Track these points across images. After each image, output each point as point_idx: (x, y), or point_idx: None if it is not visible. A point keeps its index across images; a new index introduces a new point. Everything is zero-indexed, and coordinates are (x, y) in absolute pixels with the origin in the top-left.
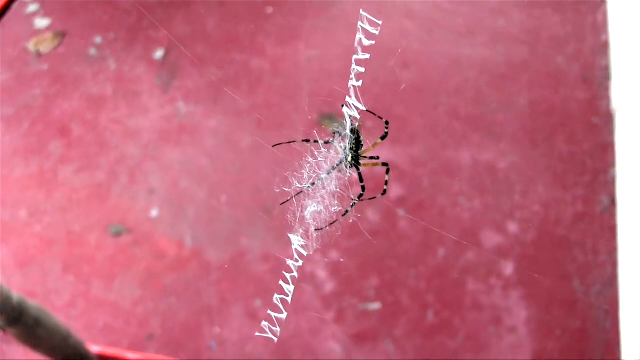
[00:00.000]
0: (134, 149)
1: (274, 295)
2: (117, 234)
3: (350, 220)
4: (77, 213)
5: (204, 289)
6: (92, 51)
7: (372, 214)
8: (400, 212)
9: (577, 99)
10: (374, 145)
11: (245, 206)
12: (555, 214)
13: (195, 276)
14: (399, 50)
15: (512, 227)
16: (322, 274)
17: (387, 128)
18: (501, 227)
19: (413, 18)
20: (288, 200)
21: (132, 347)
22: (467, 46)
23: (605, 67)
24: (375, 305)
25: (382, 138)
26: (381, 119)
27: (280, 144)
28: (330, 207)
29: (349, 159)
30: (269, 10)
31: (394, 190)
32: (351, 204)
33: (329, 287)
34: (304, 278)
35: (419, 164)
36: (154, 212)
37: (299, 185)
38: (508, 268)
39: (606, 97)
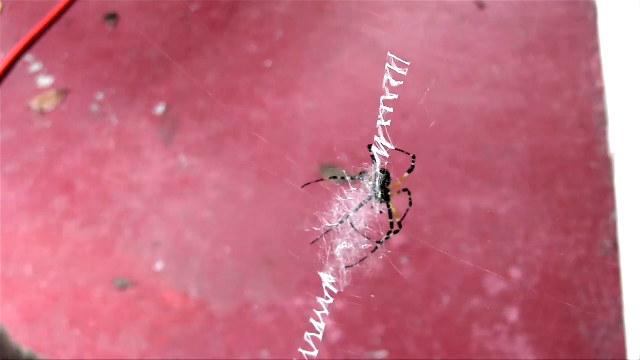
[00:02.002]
0: (137, 202)
1: (282, 346)
2: (123, 288)
3: (381, 257)
4: (82, 267)
5: (210, 340)
6: (95, 107)
7: (375, 262)
8: (404, 260)
9: (575, 145)
10: (402, 179)
11: (248, 258)
12: (558, 258)
13: (201, 328)
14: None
15: (516, 272)
16: (327, 322)
17: (413, 161)
18: (504, 273)
19: (410, 68)
20: (318, 239)
21: None
22: (463, 94)
23: (601, 113)
24: (382, 354)
25: (409, 171)
26: (409, 154)
27: (309, 183)
28: (360, 244)
29: (379, 195)
30: (268, 63)
31: (396, 238)
32: (382, 240)
33: (335, 336)
34: (308, 328)
35: (420, 211)
36: (159, 265)
37: (328, 224)
38: (513, 314)
39: (604, 142)
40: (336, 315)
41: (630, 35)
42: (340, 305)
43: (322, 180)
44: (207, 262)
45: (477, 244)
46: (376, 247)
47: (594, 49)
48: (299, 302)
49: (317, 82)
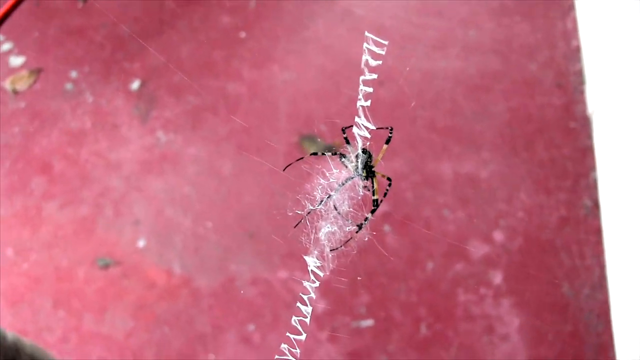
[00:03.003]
0: (116, 181)
1: (268, 319)
2: (105, 267)
3: (366, 239)
4: (64, 248)
5: (196, 316)
6: (69, 86)
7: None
8: (386, 228)
9: (554, 105)
10: (382, 152)
11: (231, 232)
12: (540, 219)
13: (187, 304)
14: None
15: (498, 235)
16: (314, 303)
17: (390, 133)
18: (487, 237)
19: (385, 35)
20: (300, 222)
21: None
22: (440, 59)
23: (578, 72)
24: (368, 322)
25: (387, 142)
26: (386, 128)
27: (290, 164)
28: (344, 227)
29: (363, 174)
30: (242, 34)
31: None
32: (364, 219)
33: (320, 307)
34: (295, 300)
35: (401, 177)
36: (141, 243)
37: (311, 207)
38: (497, 277)
39: (582, 102)
40: (321, 286)
41: None
42: (325, 276)
43: (302, 158)
44: (190, 238)
45: (459, 208)
46: (360, 227)
47: (569, 8)
48: (283, 274)
49: (293, 52)
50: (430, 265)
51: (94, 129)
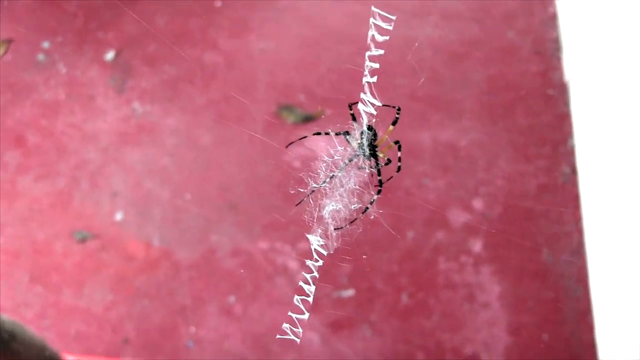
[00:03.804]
0: (93, 153)
1: (249, 290)
2: (83, 240)
3: (372, 217)
4: (40, 222)
5: (177, 288)
6: (41, 57)
7: (305, 204)
8: (366, 198)
9: (531, 72)
10: (388, 132)
11: (210, 203)
12: (519, 187)
13: (167, 276)
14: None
15: (478, 203)
16: (293, 265)
17: (398, 114)
18: (467, 205)
19: (363, 2)
20: (302, 201)
21: (108, 353)
22: (419, 27)
23: (555, 40)
24: (350, 292)
25: (394, 124)
26: (394, 107)
27: (293, 142)
28: (349, 204)
29: (367, 153)
30: (218, 3)
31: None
32: (371, 200)
33: (301, 278)
34: (276, 271)
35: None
36: (119, 215)
37: (315, 185)
38: (477, 245)
39: (559, 69)
40: (301, 256)
41: None
42: (306, 246)
43: (305, 137)
44: (169, 210)
45: (439, 177)
46: (366, 208)
47: None
48: (263, 245)
49: (271, 21)
50: (410, 234)
51: (69, 100)
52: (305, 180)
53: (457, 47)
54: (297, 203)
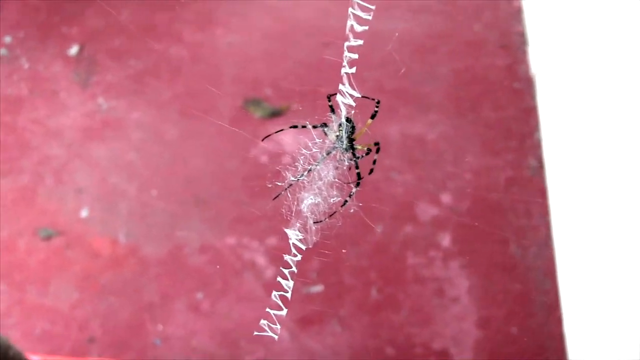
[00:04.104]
0: (57, 148)
1: (217, 287)
2: (48, 238)
3: (352, 210)
4: (3, 219)
5: (143, 285)
6: (3, 51)
7: (283, 197)
8: (334, 193)
9: (498, 66)
10: (366, 125)
11: (177, 198)
12: (487, 180)
13: (133, 273)
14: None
15: (446, 197)
16: (261, 260)
17: (377, 107)
18: (435, 199)
19: None
20: (280, 195)
21: (74, 352)
22: (385, 20)
23: (521, 33)
24: (318, 288)
25: (372, 117)
26: (373, 100)
27: (269, 135)
28: (328, 198)
29: (344, 145)
30: None
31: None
32: (350, 193)
33: (270, 273)
34: (244, 266)
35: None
36: (84, 212)
37: (292, 178)
38: (445, 239)
39: (525, 62)
40: (269, 252)
41: None
42: (273, 241)
43: (282, 130)
44: (135, 206)
45: (407, 171)
46: (345, 201)
47: None
48: (231, 240)
49: (237, 14)
50: (379, 228)
51: (32, 95)
52: (283, 173)
53: (424, 41)
54: (274, 197)
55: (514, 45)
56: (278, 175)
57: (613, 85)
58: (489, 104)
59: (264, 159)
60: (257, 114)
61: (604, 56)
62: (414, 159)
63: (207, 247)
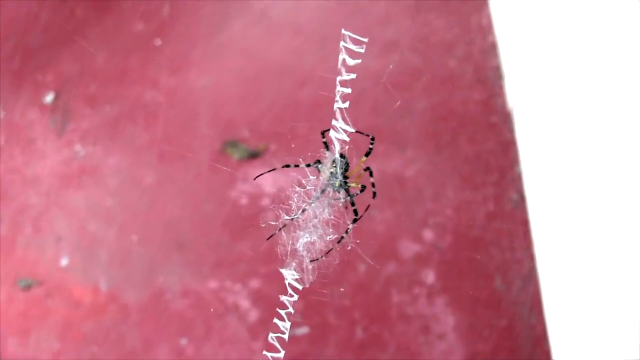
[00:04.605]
0: (35, 197)
1: (201, 331)
2: (27, 288)
3: (349, 247)
4: None
5: (126, 332)
6: None
7: (277, 237)
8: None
9: (474, 100)
10: (360, 164)
11: (157, 243)
12: (468, 215)
13: (115, 321)
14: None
15: (428, 234)
16: (244, 303)
17: (372, 144)
18: (417, 236)
19: (302, 34)
20: (274, 234)
21: None
22: (359, 57)
23: (496, 67)
24: (303, 329)
25: (367, 155)
26: (368, 136)
27: (262, 174)
28: (325, 235)
29: (337, 183)
30: (158, 42)
31: (296, 212)
32: (346, 230)
33: (254, 315)
34: (227, 310)
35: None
36: (64, 260)
37: (287, 217)
38: (429, 276)
39: (501, 96)
40: (252, 294)
41: None
42: (255, 283)
43: (274, 169)
44: (115, 252)
45: (387, 208)
46: (342, 237)
47: (483, 3)
48: (213, 284)
49: (211, 57)
50: (362, 267)
51: (8, 144)
52: (277, 212)
53: (398, 77)
54: (268, 237)
55: (489, 79)
56: (272, 214)
57: (589, 115)
58: (467, 138)
59: (244, 200)
60: (235, 155)
61: (579, 88)
62: (393, 196)
63: (189, 291)
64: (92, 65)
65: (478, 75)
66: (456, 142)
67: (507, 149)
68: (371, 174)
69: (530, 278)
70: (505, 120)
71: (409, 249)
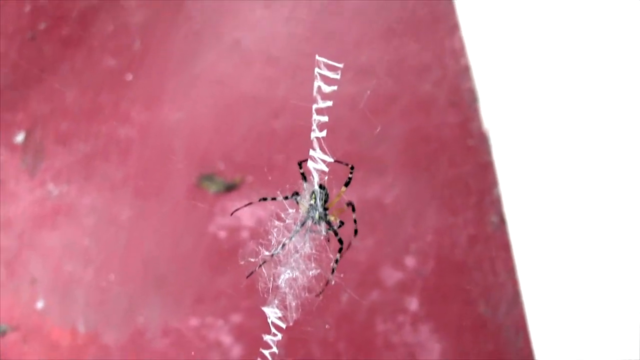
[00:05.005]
0: (8, 240)
1: None
2: (2, 334)
3: (332, 283)
4: None
5: None
6: None
7: (257, 274)
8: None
9: (450, 123)
10: (339, 195)
11: (136, 281)
12: (449, 240)
13: None
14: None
15: (410, 260)
16: (227, 339)
17: (351, 173)
18: (399, 262)
19: (275, 64)
20: (253, 272)
21: None
22: (334, 85)
23: (471, 90)
24: None
25: (346, 184)
26: (347, 165)
27: (238, 209)
28: (307, 270)
29: (317, 216)
30: (129, 77)
31: (276, 247)
32: (335, 260)
33: (236, 352)
34: (209, 347)
35: None
36: (40, 303)
37: (267, 253)
38: (413, 303)
39: (477, 119)
40: (235, 330)
41: (485, 8)
42: (237, 318)
43: (251, 203)
44: (92, 292)
45: (367, 236)
46: (333, 271)
47: (454, 27)
48: (194, 321)
49: (184, 90)
50: (344, 297)
51: None
52: (256, 248)
53: (374, 102)
54: (248, 274)
55: (464, 102)
56: (251, 250)
57: (564, 135)
58: (445, 162)
59: (222, 234)
60: (212, 189)
61: (552, 107)
62: (373, 223)
63: (169, 329)
64: (63, 102)
65: (453, 98)
66: (434, 166)
67: (485, 171)
68: (353, 209)
69: (515, 301)
70: (482, 142)
71: (391, 276)
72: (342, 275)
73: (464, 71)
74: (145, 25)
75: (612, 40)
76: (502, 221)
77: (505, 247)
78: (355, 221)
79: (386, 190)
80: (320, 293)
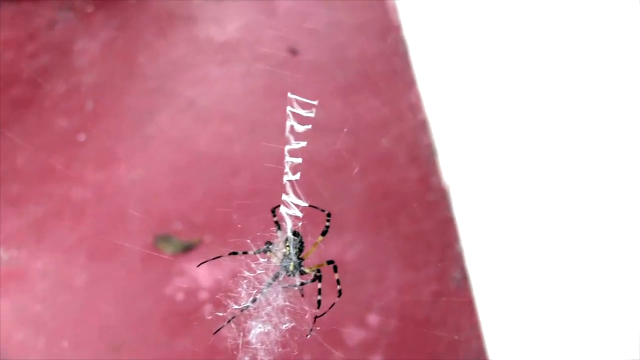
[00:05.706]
0: None
1: None
2: None
3: (307, 336)
4: None
5: None
6: None
7: (225, 330)
8: (252, 324)
9: (410, 179)
10: (316, 244)
11: (91, 348)
12: (412, 296)
13: None
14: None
15: (373, 318)
16: None
17: (328, 221)
18: (362, 321)
19: (232, 121)
20: (222, 327)
21: None
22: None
23: (429, 145)
24: None
25: (323, 234)
26: (323, 211)
27: (206, 261)
28: (280, 324)
29: (291, 266)
30: (82, 137)
31: (246, 300)
32: (320, 314)
33: None
34: None
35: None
36: None
37: (236, 307)
38: None
39: (437, 174)
40: None
41: (440, 64)
42: None
43: (220, 257)
44: None
45: (329, 295)
46: (311, 330)
47: (412, 82)
48: None
49: (138, 149)
50: (307, 357)
51: None
52: (224, 302)
53: (332, 159)
54: (215, 330)
55: (424, 157)
56: (218, 304)
57: (522, 190)
58: (406, 218)
59: (180, 296)
60: (168, 250)
61: (510, 163)
62: (334, 282)
63: None
64: (14, 164)
65: (412, 153)
66: (395, 222)
67: (446, 226)
68: (335, 269)
69: (479, 357)
70: (442, 197)
71: (354, 335)
72: (308, 336)
73: (422, 126)
74: (98, 85)
75: (566, 93)
76: (464, 277)
77: (468, 302)
78: (338, 281)
79: (347, 248)
80: (311, 331)
